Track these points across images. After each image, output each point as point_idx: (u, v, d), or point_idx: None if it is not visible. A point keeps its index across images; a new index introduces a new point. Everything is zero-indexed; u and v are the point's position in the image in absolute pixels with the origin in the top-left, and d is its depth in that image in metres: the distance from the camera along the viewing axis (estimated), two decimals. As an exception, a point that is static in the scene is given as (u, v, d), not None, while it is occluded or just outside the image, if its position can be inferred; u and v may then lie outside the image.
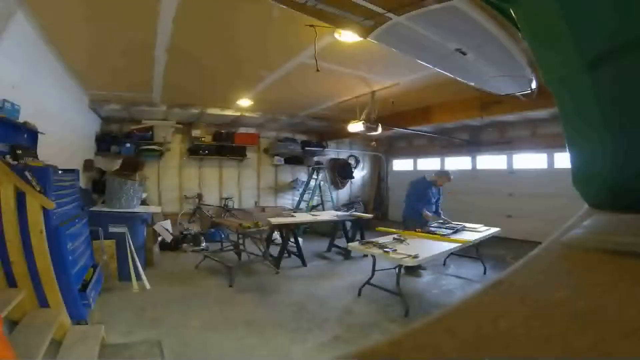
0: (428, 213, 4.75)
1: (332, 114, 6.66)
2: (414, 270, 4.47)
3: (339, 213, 6.46)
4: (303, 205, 7.71)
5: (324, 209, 7.57)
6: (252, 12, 2.70)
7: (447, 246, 3.80)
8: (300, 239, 5.64)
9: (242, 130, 7.57)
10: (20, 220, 2.24)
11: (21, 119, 2.72)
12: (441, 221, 4.84)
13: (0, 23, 2.43)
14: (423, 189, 4.87)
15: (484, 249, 4.77)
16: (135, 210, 4.35)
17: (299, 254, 5.25)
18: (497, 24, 2.18)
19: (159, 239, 5.38)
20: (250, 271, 4.70)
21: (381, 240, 3.94)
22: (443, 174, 4.97)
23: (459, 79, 3.28)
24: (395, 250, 3.52)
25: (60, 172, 2.98)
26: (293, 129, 8.23)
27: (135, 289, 3.76)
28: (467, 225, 4.84)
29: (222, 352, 2.62)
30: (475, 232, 4.56)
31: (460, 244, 3.93)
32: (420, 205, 4.75)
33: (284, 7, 2.13)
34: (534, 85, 3.49)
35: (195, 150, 7.14)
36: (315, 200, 7.83)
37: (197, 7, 2.61)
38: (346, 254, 5.63)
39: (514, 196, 6.57)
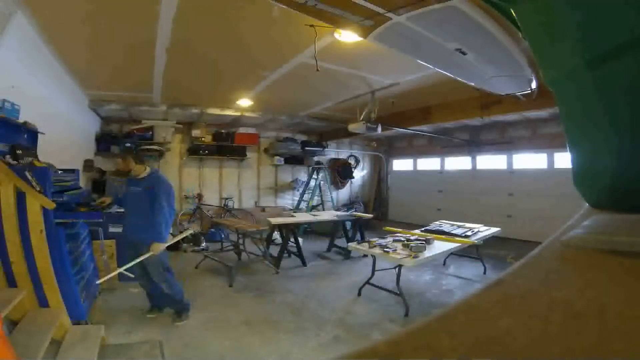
0: None
1: (332, 114, 6.66)
2: None
3: (339, 213, 6.46)
4: (303, 205, 7.70)
5: (324, 209, 7.56)
6: (252, 12, 2.70)
7: (447, 246, 3.81)
8: (300, 239, 5.63)
9: (242, 130, 7.56)
10: (20, 220, 2.24)
11: (21, 119, 2.72)
12: None
13: (0, 23, 2.43)
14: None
15: (484, 249, 4.77)
16: (135, 210, 4.34)
17: (299, 254, 5.25)
18: (497, 24, 2.18)
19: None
20: (250, 271, 4.69)
21: (381, 240, 3.94)
22: None
23: (459, 79, 3.28)
24: (396, 250, 3.52)
25: (60, 172, 2.98)
26: (293, 129, 8.22)
27: (136, 289, 3.76)
28: (467, 225, 4.84)
29: (222, 352, 2.62)
30: (475, 232, 4.55)
31: (460, 244, 3.93)
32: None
33: (284, 7, 2.13)
34: (534, 85, 3.49)
35: (195, 150, 7.14)
36: (315, 200, 7.82)
37: (197, 6, 2.61)
38: (346, 254, 5.62)
39: (514, 196, 6.57)
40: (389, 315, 3.34)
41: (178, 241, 5.92)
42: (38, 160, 2.74)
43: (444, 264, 5.09)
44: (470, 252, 4.67)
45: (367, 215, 6.53)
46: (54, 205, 2.41)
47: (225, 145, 7.32)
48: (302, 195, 7.87)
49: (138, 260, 2.86)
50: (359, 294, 3.82)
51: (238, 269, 4.47)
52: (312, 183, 7.75)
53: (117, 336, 2.73)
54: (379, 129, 5.39)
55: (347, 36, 2.94)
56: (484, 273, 4.69)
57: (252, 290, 3.99)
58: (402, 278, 3.55)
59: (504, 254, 5.27)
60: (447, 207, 7.60)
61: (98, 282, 3.09)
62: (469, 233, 4.43)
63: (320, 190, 7.83)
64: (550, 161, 6.12)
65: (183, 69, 4.00)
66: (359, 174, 9.57)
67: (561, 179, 5.32)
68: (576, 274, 0.37)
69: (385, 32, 2.28)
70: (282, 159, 8.12)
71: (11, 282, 2.23)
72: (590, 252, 0.39)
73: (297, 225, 5.60)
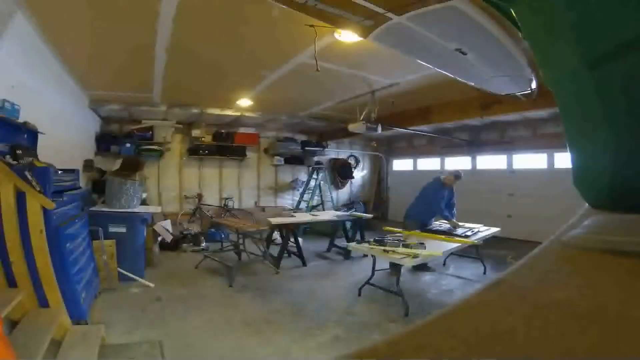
0: (451, 219, 4.81)
1: (332, 114, 6.66)
2: (427, 267, 4.65)
3: (339, 213, 6.46)
4: (303, 205, 7.71)
5: (324, 209, 7.56)
6: (252, 12, 2.70)
7: (447, 246, 3.81)
8: (300, 239, 5.63)
9: (242, 130, 7.57)
10: (20, 220, 2.24)
11: (21, 119, 2.72)
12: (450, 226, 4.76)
13: (0, 23, 2.43)
14: (434, 191, 4.85)
15: (484, 249, 4.77)
16: (135, 210, 4.35)
17: (299, 254, 5.25)
18: (497, 24, 2.17)
19: (159, 239, 5.38)
20: (250, 271, 4.69)
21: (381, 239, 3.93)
22: (450, 174, 5.03)
23: (459, 79, 3.27)
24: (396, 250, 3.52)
25: (60, 172, 2.98)
26: (293, 129, 8.22)
27: (136, 289, 3.77)
28: (467, 225, 4.84)
29: (222, 352, 2.62)
30: (475, 232, 4.55)
31: (460, 244, 3.93)
32: (433, 208, 4.81)
33: (284, 7, 2.13)
34: (534, 85, 3.48)
35: (195, 150, 7.14)
36: (315, 200, 7.82)
37: (197, 6, 2.61)
38: (346, 254, 5.62)
39: (514, 196, 6.56)
40: (389, 315, 3.34)
41: (178, 241, 5.93)
42: (38, 160, 2.74)
43: (444, 264, 5.09)
44: (470, 252, 4.67)
45: (367, 215, 6.53)
46: (53, 205, 2.41)
47: (225, 145, 7.33)
48: (302, 195, 7.87)
49: None
50: (359, 294, 3.81)
51: (238, 269, 4.47)
52: (312, 183, 7.75)
53: (117, 336, 2.73)
54: (379, 129, 5.39)
55: (347, 36, 2.94)
56: (484, 273, 4.69)
57: (252, 290, 3.99)
58: (402, 278, 3.55)
59: (504, 254, 5.27)
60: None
61: None
62: (469, 233, 4.43)
63: (320, 191, 7.83)
64: (550, 161, 6.12)
65: (183, 69, 4.00)
66: (359, 174, 9.57)
67: (561, 179, 5.32)
68: (576, 274, 0.37)
69: (386, 32, 2.28)
70: (282, 159, 8.12)
71: (11, 282, 2.23)
72: (590, 252, 0.39)
73: (297, 225, 5.60)
